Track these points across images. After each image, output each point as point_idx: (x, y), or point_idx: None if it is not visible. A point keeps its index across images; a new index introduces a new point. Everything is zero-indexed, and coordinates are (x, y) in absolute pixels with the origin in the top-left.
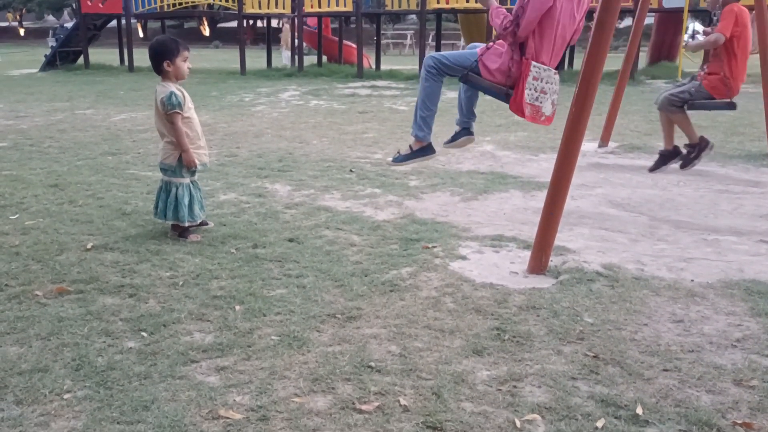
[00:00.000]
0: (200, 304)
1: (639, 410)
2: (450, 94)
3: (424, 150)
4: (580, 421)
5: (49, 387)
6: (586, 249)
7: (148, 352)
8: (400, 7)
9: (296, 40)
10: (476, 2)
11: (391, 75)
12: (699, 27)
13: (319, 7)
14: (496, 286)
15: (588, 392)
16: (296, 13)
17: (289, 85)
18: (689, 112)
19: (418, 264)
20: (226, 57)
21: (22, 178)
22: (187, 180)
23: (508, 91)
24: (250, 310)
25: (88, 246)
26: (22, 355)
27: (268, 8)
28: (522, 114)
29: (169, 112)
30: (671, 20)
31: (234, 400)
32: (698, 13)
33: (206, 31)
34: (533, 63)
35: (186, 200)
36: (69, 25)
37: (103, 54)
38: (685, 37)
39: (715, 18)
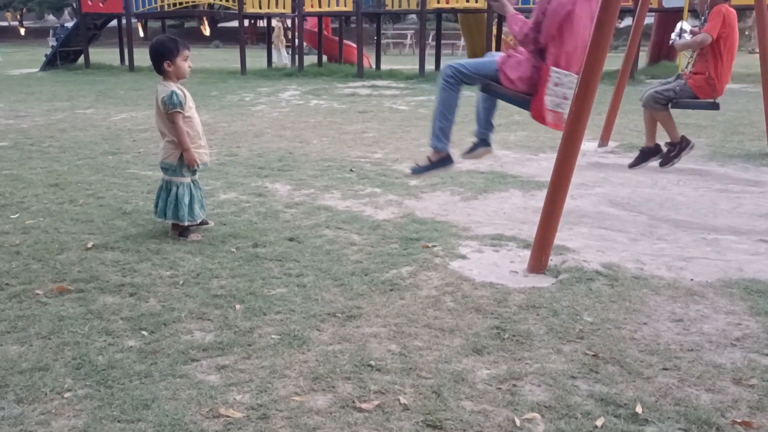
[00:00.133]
0: (200, 303)
1: (638, 409)
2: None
3: (443, 161)
4: (579, 420)
5: (50, 386)
6: (586, 248)
7: (149, 351)
8: (400, 6)
9: (296, 40)
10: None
11: (391, 75)
12: (687, 26)
13: (320, 6)
14: (495, 285)
15: (588, 391)
16: (296, 13)
17: (289, 85)
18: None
19: (418, 263)
20: (227, 57)
21: (23, 178)
22: (187, 179)
23: (530, 98)
24: (250, 309)
25: (89, 245)
26: (22, 354)
27: (269, 8)
28: (543, 121)
29: (170, 112)
30: (671, 20)
31: (234, 399)
32: (698, 13)
33: (206, 31)
34: (553, 69)
35: (186, 199)
36: (69, 24)
37: (103, 53)
38: (673, 35)
39: (703, 18)
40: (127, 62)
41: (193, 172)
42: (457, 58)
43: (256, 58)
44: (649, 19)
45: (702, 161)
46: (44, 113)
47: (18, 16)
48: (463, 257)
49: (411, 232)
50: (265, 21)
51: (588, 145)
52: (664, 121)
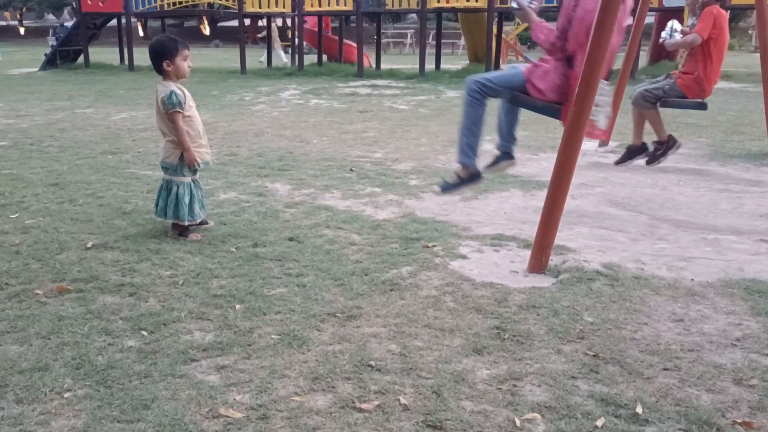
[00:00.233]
0: (200, 303)
1: (639, 409)
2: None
3: (473, 177)
4: (579, 420)
5: (50, 386)
6: (586, 248)
7: (149, 351)
8: (400, 6)
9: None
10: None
11: (392, 74)
12: (678, 26)
13: (320, 6)
14: (496, 285)
15: (588, 391)
16: (296, 13)
17: (289, 84)
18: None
19: (418, 263)
20: (226, 56)
21: (22, 177)
22: (188, 179)
23: (560, 107)
24: (250, 309)
25: (89, 245)
26: (22, 354)
27: (269, 7)
28: None
29: (169, 111)
30: (671, 19)
31: (234, 399)
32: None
33: (206, 30)
34: None
35: (186, 199)
36: (69, 24)
37: (103, 53)
38: (663, 34)
39: (693, 19)
40: (126, 62)
41: (194, 172)
42: (457, 57)
43: (256, 57)
44: (650, 19)
45: (703, 161)
46: (44, 113)
47: (18, 16)
48: (464, 257)
49: (411, 232)
50: (265, 21)
51: (588, 145)
52: (652, 119)
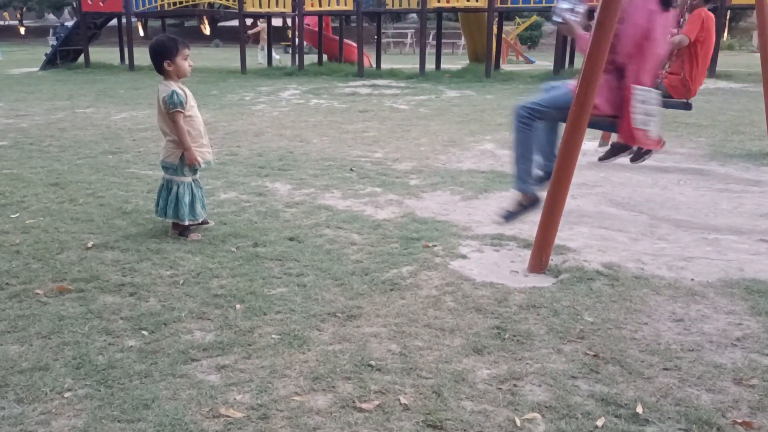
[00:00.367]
0: (201, 303)
1: (639, 409)
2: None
3: (533, 203)
4: (580, 420)
5: (50, 385)
6: (586, 248)
7: (149, 351)
8: (400, 5)
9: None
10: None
11: (392, 74)
12: None
13: (320, 5)
14: (496, 285)
15: (588, 391)
16: (296, 12)
17: (289, 84)
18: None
19: (418, 263)
20: (227, 56)
21: (23, 177)
22: (188, 179)
23: (614, 120)
24: (250, 309)
25: (89, 245)
26: (22, 354)
27: (269, 7)
28: (634, 141)
29: (170, 111)
30: None
31: (234, 399)
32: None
33: (207, 30)
34: (636, 87)
35: (187, 199)
36: (69, 23)
37: (103, 53)
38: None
39: (682, 20)
40: (127, 61)
41: (194, 172)
42: (457, 57)
43: (251, 57)
44: None
45: (703, 161)
46: (44, 112)
47: (18, 15)
48: (464, 257)
49: (411, 232)
50: (266, 21)
51: (588, 144)
52: None
